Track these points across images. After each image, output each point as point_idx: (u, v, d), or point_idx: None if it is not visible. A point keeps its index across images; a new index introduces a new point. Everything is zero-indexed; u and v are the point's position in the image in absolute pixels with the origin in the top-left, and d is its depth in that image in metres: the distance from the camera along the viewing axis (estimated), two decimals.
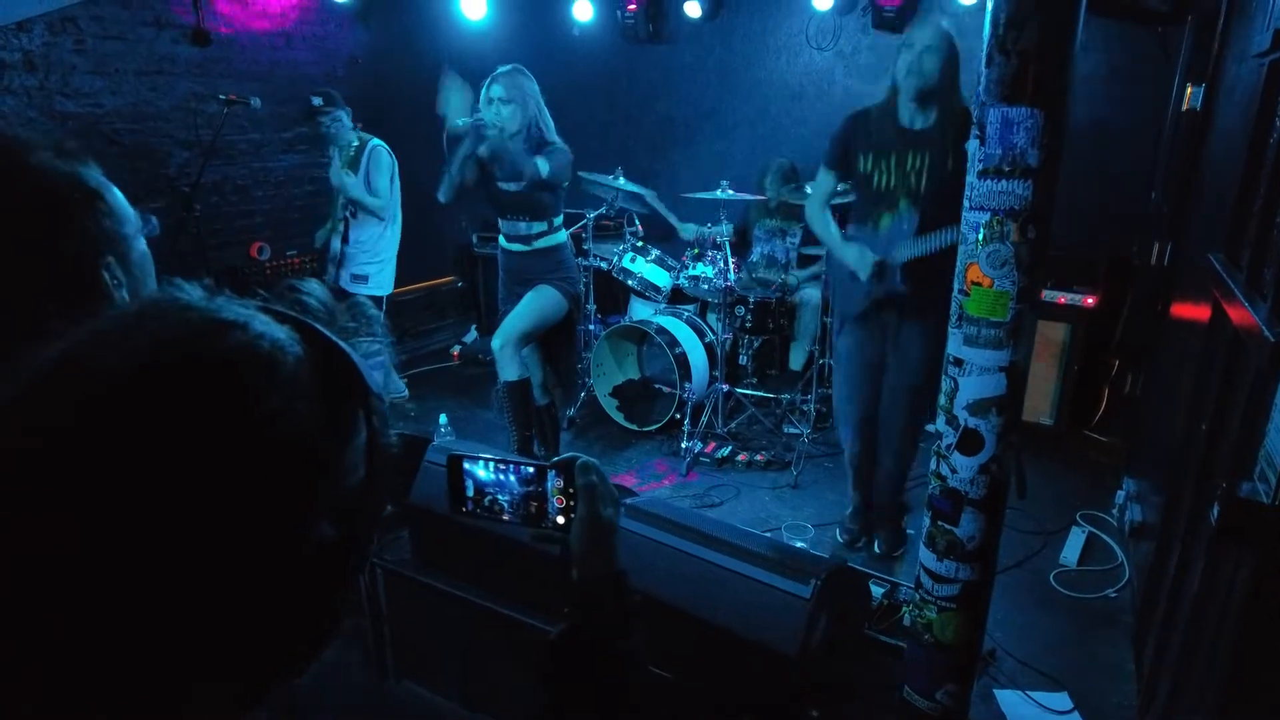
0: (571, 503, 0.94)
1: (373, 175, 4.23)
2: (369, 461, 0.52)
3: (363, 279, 4.32)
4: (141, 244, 0.94)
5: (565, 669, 0.85)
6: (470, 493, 1.02)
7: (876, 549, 3.19)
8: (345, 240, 4.31)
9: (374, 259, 4.35)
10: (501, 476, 1.00)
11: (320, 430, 0.48)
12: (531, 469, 0.98)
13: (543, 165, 3.23)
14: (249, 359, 0.46)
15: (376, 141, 4.26)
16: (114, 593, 0.41)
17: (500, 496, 1.00)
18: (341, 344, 0.53)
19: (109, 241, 0.88)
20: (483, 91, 3.28)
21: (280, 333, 0.49)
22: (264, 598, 0.46)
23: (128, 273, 0.89)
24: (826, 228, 2.98)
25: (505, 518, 1.00)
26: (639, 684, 0.87)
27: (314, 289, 0.61)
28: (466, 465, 1.01)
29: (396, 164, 4.34)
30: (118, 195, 0.93)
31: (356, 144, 4.23)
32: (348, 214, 4.29)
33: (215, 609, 0.44)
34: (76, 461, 0.41)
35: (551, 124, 3.39)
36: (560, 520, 0.96)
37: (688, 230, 4.72)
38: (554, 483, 0.97)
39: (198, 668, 0.45)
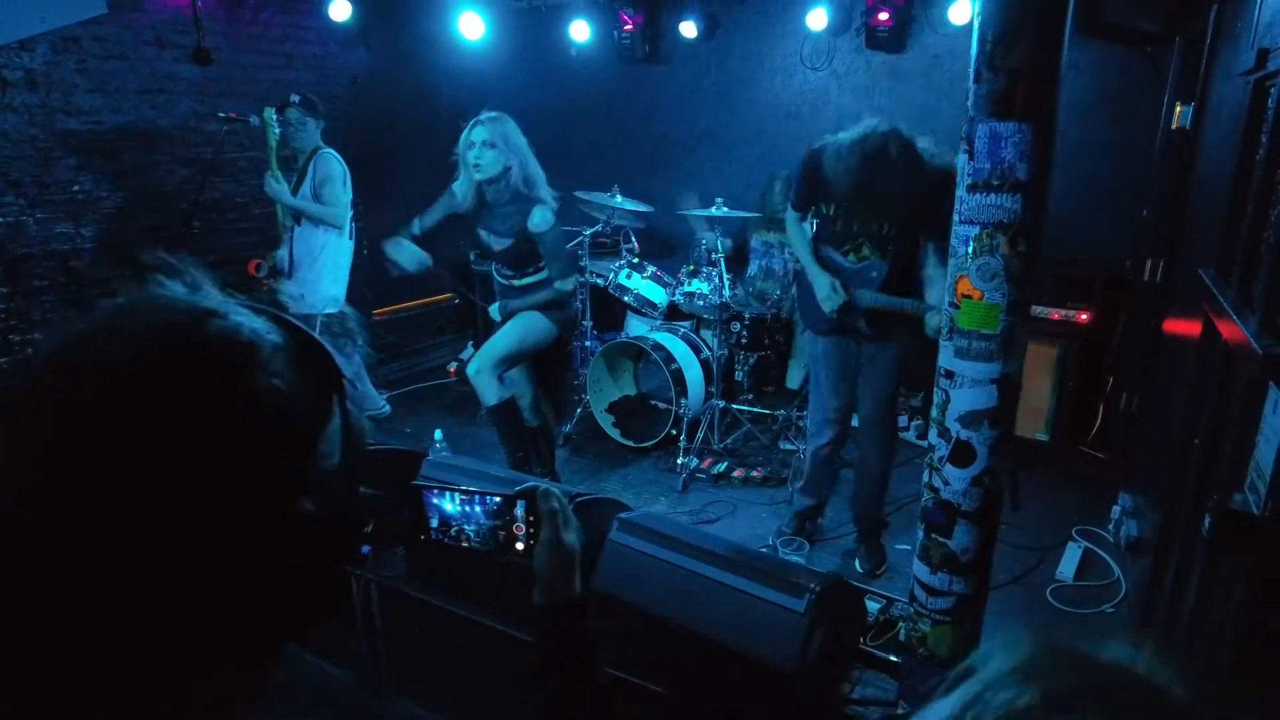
0: (534, 529, 0.98)
1: (321, 184, 4.02)
2: (344, 444, 0.54)
3: (299, 296, 4.01)
4: None
5: (544, 691, 0.89)
6: (435, 523, 1.04)
7: (859, 568, 3.22)
8: (292, 252, 4.08)
9: (309, 273, 4.08)
10: (467, 508, 1.02)
11: (298, 411, 0.51)
12: (499, 499, 1.01)
13: (570, 284, 3.35)
14: (230, 343, 0.49)
15: (327, 149, 4.08)
16: (118, 569, 0.44)
17: (467, 527, 1.03)
18: (315, 335, 0.55)
19: None
20: (463, 134, 3.25)
21: (258, 322, 0.52)
22: (251, 571, 0.48)
23: None
24: (808, 251, 3.07)
25: (466, 545, 1.03)
26: (613, 701, 0.92)
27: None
28: (431, 498, 1.03)
29: (348, 173, 4.12)
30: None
31: (306, 152, 4.06)
32: (291, 221, 4.07)
33: (208, 582, 0.46)
34: (80, 443, 0.44)
35: (542, 176, 3.33)
36: (520, 547, 1.00)
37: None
38: (521, 511, 1.00)
39: (195, 648, 0.47)
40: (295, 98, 4.04)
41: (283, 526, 0.49)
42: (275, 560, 0.49)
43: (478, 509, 1.01)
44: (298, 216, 4.07)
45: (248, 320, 0.51)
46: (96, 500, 0.43)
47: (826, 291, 2.92)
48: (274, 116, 3.93)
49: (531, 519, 0.98)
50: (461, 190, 3.31)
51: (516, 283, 3.45)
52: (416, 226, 3.40)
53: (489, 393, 3.39)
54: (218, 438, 0.46)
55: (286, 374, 0.50)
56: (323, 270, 4.11)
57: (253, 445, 0.48)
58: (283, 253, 4.10)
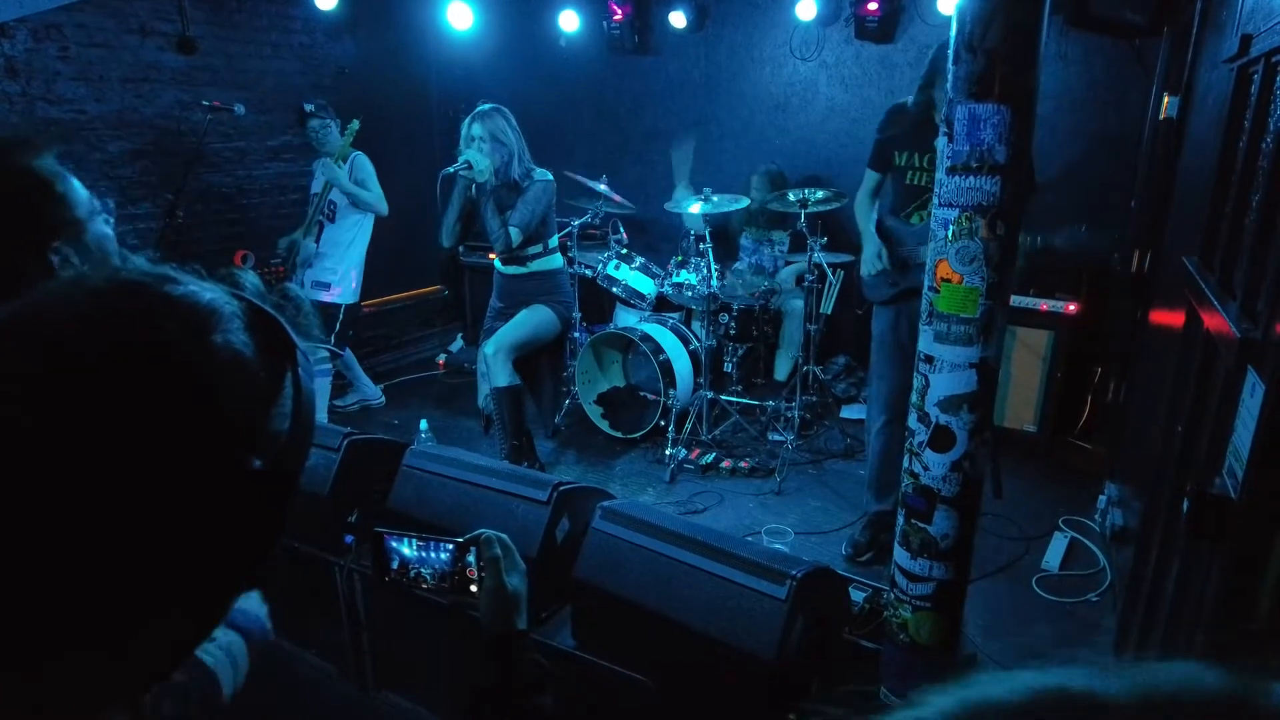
0: (482, 574, 1.05)
1: (361, 179, 4.27)
2: (295, 410, 0.56)
3: (324, 285, 4.29)
4: (98, 226, 1.02)
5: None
6: (395, 565, 1.11)
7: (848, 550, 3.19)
8: (318, 240, 4.32)
9: (339, 265, 4.32)
10: (423, 553, 1.09)
11: (253, 372, 0.52)
12: (452, 546, 1.07)
13: (515, 235, 3.38)
14: (191, 303, 0.51)
15: (359, 153, 4.31)
16: (69, 508, 0.44)
17: (424, 570, 1.10)
18: (268, 308, 0.57)
19: (58, 227, 0.97)
20: (463, 129, 3.38)
21: (216, 291, 0.54)
22: (198, 522, 0.49)
23: (81, 253, 0.98)
24: (866, 218, 3.09)
25: (425, 587, 1.09)
26: None
27: (248, 278, 0.70)
28: (391, 542, 1.10)
29: None
30: (71, 182, 1.01)
31: (341, 153, 4.27)
32: (323, 217, 4.30)
33: (160, 534, 0.47)
34: (37, 394, 0.45)
35: (527, 153, 3.47)
36: (474, 589, 1.06)
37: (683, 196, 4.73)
38: (473, 557, 1.06)
39: (146, 596, 0.48)
40: (310, 105, 4.23)
41: (232, 482, 0.51)
42: (222, 514, 0.51)
43: (432, 554, 1.07)
44: (330, 212, 4.28)
45: (208, 290, 0.54)
46: (53, 440, 0.44)
47: (869, 254, 2.97)
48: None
49: (482, 564, 1.04)
50: (478, 162, 3.32)
51: (534, 266, 3.56)
52: (446, 240, 3.52)
53: (500, 374, 3.49)
54: (176, 386, 0.48)
55: (243, 338, 0.52)
56: (352, 263, 4.34)
57: (208, 398, 0.49)
58: (310, 242, 4.27)
